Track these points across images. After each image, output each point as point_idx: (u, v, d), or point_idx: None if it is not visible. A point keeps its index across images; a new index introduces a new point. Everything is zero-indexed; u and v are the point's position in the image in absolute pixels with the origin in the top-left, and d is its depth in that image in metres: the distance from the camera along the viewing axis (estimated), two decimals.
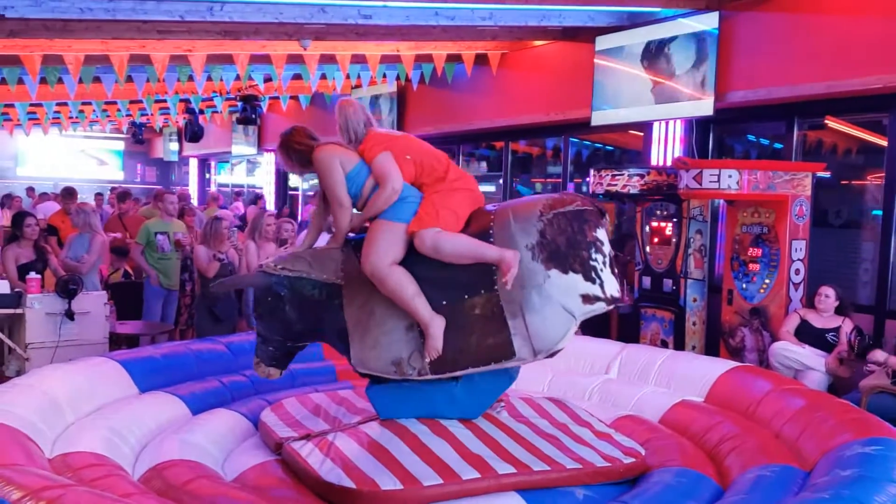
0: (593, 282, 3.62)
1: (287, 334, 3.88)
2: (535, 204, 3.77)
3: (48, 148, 22.12)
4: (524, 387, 4.44)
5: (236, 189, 18.85)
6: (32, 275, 6.22)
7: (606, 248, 3.70)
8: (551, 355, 3.69)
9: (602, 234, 3.71)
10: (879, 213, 6.42)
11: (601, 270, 3.64)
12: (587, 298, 3.62)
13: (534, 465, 3.47)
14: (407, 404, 3.75)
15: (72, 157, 22.94)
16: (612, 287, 3.68)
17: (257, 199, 14.72)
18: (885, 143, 6.35)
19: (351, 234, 3.90)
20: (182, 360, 4.78)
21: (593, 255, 3.64)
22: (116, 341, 6.62)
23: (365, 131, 3.86)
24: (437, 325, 3.59)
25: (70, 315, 6.08)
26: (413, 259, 3.65)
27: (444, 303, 3.65)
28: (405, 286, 3.59)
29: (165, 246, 7.57)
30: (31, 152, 22.46)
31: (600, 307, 3.65)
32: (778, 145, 7.45)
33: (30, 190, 16.82)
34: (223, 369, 4.87)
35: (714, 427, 4.15)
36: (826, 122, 6.99)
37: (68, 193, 9.67)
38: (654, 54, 7.68)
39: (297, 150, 3.87)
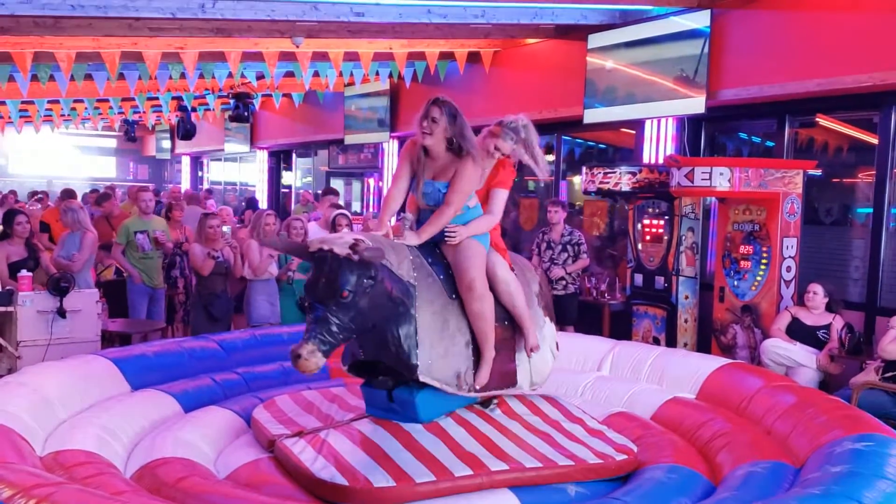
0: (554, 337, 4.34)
1: (359, 325, 3.33)
2: (526, 260, 4.56)
3: (40, 146, 22.02)
4: None
5: (205, 188, 18.30)
6: (24, 272, 6.20)
7: None
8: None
9: None
10: (870, 210, 6.45)
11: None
12: (557, 346, 4.35)
13: (526, 462, 3.48)
14: (443, 403, 3.79)
15: (64, 155, 22.86)
16: None
17: (253, 202, 14.58)
18: (875, 140, 6.38)
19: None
20: (174, 358, 4.77)
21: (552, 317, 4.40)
22: (108, 339, 6.60)
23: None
24: (493, 357, 3.77)
25: (62, 313, 6.07)
26: None
27: None
28: (492, 313, 3.73)
29: (146, 245, 7.39)
30: (23, 150, 22.36)
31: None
32: (769, 143, 7.47)
33: None
34: (216, 367, 4.86)
35: (705, 423, 4.16)
36: (817, 119, 7.02)
37: (67, 194, 9.66)
38: (646, 52, 7.70)
39: (467, 130, 3.94)
